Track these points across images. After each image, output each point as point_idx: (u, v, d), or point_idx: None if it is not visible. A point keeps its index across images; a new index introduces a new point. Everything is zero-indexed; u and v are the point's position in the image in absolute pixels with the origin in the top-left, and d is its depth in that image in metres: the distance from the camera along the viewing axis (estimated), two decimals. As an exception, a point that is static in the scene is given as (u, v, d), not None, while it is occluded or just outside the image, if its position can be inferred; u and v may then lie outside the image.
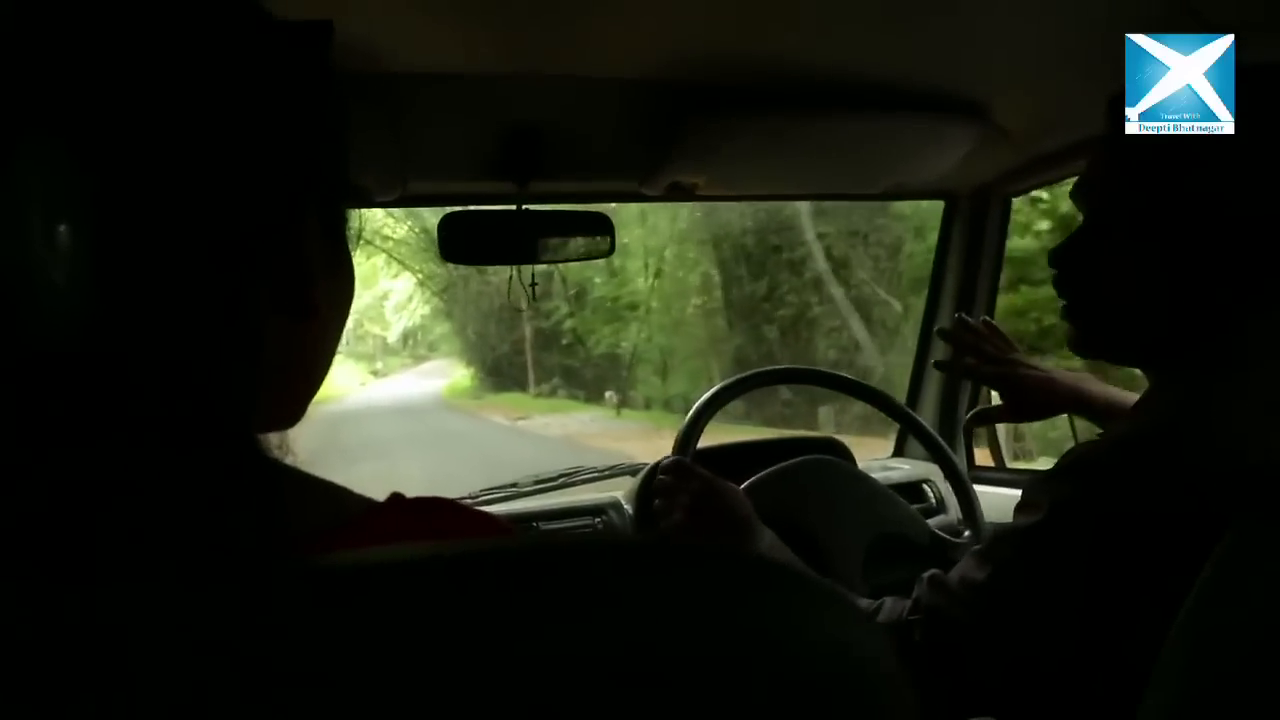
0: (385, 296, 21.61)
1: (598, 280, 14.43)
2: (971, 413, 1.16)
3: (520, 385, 17.32)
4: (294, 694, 0.23)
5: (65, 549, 0.29)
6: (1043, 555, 0.67)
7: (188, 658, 0.23)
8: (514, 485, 1.51)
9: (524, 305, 1.36)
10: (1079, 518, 0.66)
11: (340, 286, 0.43)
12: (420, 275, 15.54)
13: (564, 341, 15.94)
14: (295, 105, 0.37)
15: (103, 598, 0.25)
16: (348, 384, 20.83)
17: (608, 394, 14.25)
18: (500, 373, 17.98)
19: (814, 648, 0.28)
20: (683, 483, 1.05)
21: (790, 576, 0.29)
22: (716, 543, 0.87)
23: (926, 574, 0.76)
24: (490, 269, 1.40)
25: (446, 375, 21.47)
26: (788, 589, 0.29)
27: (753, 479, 1.17)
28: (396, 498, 0.41)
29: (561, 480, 1.55)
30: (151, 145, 0.31)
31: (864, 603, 0.84)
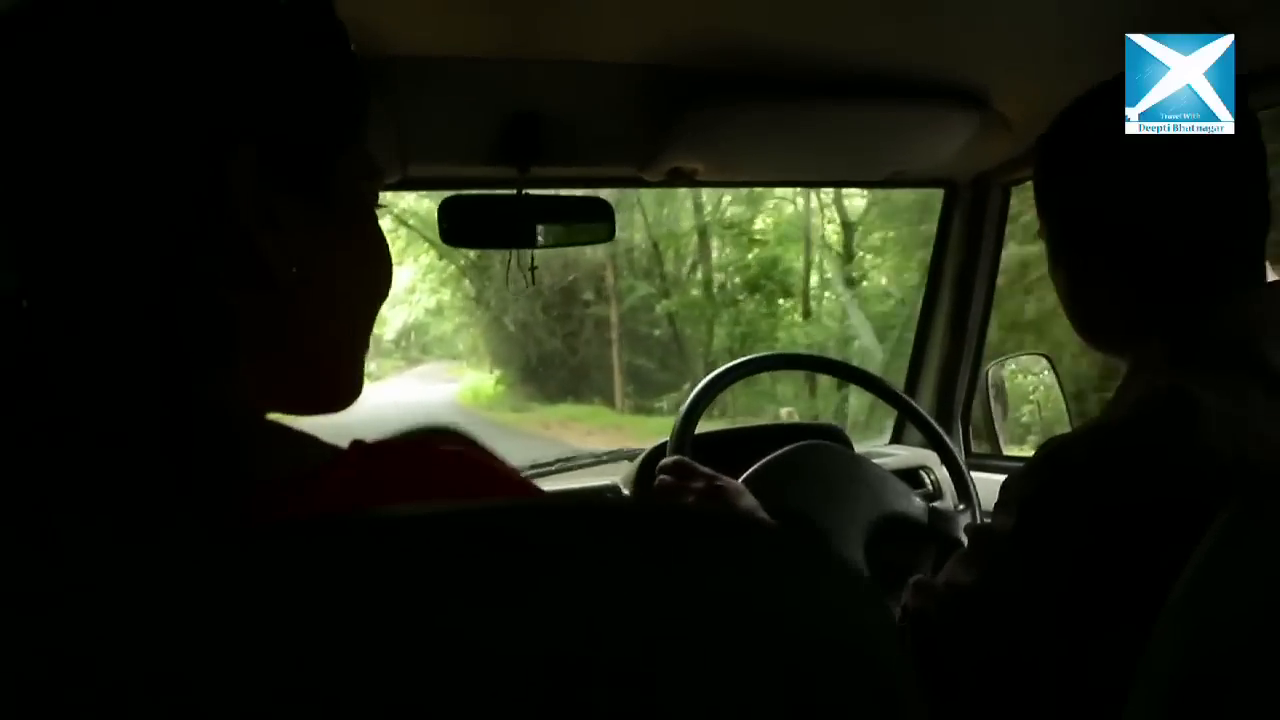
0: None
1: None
2: None
3: (575, 393, 12.68)
4: (225, 654, 0.23)
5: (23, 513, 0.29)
6: (1022, 556, 0.67)
7: (128, 611, 0.23)
8: None
9: (525, 286, 1.37)
10: (1052, 513, 0.66)
11: (329, 252, 0.40)
12: (440, 249, 12.69)
13: (654, 332, 11.49)
14: (193, 36, 0.34)
15: (46, 555, 0.25)
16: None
17: (785, 411, 8.85)
18: (546, 375, 13.24)
19: (820, 618, 0.27)
20: (686, 481, 1.05)
21: (794, 544, 0.29)
22: None
23: (913, 579, 0.76)
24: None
25: (446, 379, 18.71)
26: (793, 556, 0.29)
27: (752, 469, 1.17)
28: (357, 444, 0.38)
29: (559, 465, 1.56)
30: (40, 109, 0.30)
31: None
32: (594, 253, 10.75)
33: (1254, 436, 0.62)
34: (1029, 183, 1.55)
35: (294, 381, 0.41)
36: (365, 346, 0.47)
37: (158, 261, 0.33)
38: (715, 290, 10.75)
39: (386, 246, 0.46)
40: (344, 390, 0.45)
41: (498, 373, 15.02)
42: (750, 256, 10.27)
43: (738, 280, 10.40)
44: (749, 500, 1.03)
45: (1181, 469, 0.62)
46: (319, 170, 0.39)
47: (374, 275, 0.45)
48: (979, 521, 1.24)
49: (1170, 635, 0.53)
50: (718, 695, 0.25)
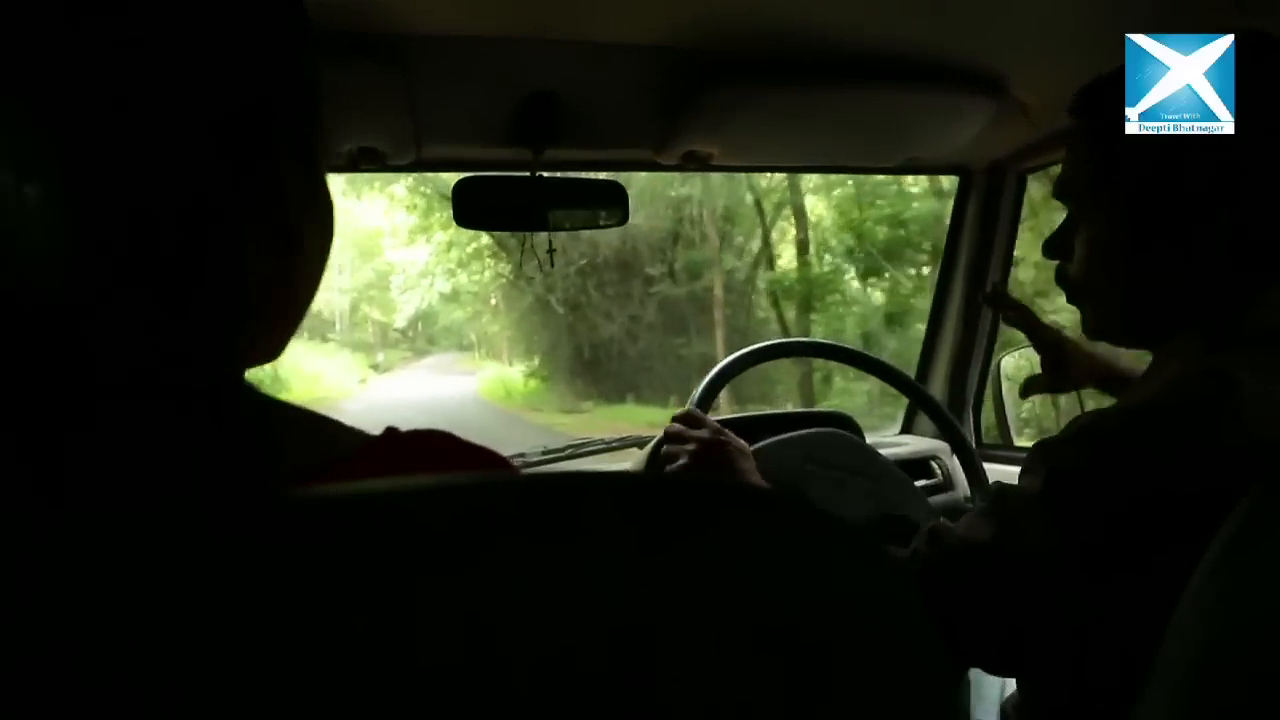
0: (391, 272, 16.31)
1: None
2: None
3: (636, 390, 9.96)
4: (266, 632, 0.22)
5: (39, 488, 0.29)
6: (1044, 520, 0.67)
7: (158, 588, 0.23)
8: (521, 455, 1.52)
9: (539, 273, 1.37)
10: (1082, 485, 0.66)
11: (319, 218, 0.42)
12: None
13: (756, 314, 8.97)
14: (250, 18, 0.35)
15: (72, 532, 0.24)
16: (344, 380, 15.38)
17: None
18: (601, 368, 10.30)
19: (819, 581, 0.27)
20: (693, 429, 1.08)
21: (809, 514, 0.29)
22: None
23: (928, 525, 0.76)
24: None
25: (461, 371, 16.88)
26: (787, 520, 0.28)
27: (763, 443, 1.18)
28: (391, 432, 0.39)
29: (570, 451, 1.56)
30: (107, 81, 0.30)
31: None
32: (657, 220, 8.81)
33: None
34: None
35: (264, 340, 0.42)
36: None
37: (200, 232, 0.33)
38: (841, 258, 8.16)
39: (332, 198, 0.47)
40: (281, 346, 0.45)
41: (525, 364, 12.94)
42: (907, 212, 7.50)
43: (875, 245, 7.66)
44: (749, 462, 1.04)
45: (1218, 448, 0.62)
46: (314, 139, 0.40)
47: (331, 230, 0.45)
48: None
49: (1192, 613, 0.52)
50: (716, 666, 0.25)
